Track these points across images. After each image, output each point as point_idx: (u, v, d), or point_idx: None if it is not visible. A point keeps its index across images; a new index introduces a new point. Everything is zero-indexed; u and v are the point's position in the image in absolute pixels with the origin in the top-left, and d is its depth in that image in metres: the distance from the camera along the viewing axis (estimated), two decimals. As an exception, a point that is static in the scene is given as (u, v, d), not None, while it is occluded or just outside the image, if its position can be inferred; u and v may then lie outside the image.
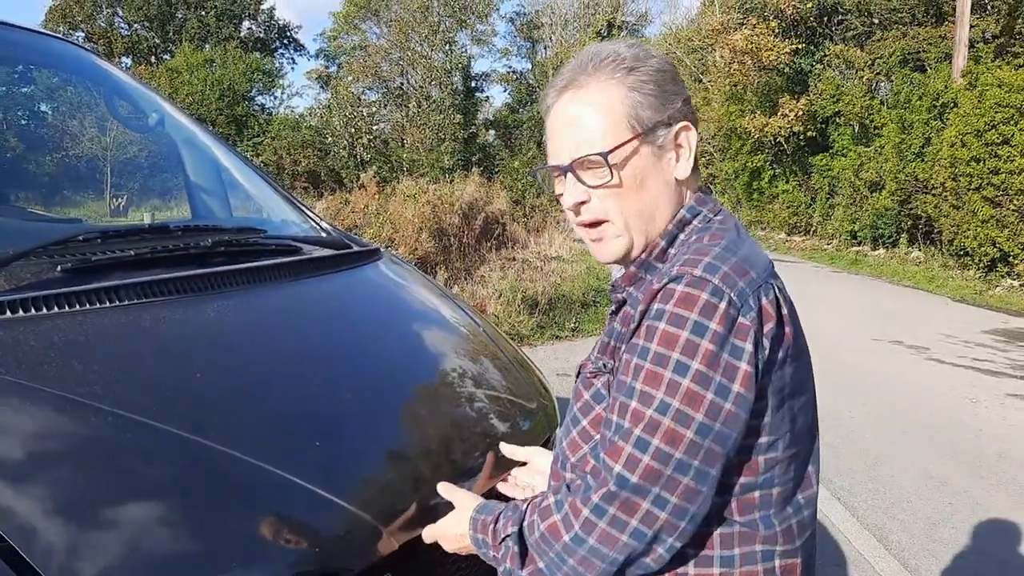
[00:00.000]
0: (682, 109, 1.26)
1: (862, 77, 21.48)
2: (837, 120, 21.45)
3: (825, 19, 23.41)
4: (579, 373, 1.33)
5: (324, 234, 2.80)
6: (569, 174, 1.26)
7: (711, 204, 1.30)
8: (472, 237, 14.60)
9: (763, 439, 1.17)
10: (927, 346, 9.04)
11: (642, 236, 1.26)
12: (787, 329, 1.17)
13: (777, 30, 22.34)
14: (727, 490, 1.18)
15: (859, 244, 19.57)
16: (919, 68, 20.05)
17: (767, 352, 1.13)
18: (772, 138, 22.58)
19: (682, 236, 1.26)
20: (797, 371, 1.20)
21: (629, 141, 1.22)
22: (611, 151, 1.21)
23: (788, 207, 22.97)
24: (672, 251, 1.26)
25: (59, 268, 1.83)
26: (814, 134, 22.05)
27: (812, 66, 22.60)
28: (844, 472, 5.14)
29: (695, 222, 1.27)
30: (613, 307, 1.31)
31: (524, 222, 19.90)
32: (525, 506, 1.28)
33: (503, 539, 1.27)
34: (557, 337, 9.29)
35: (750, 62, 22.42)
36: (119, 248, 2.00)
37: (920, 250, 17.53)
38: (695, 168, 1.28)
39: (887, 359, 8.40)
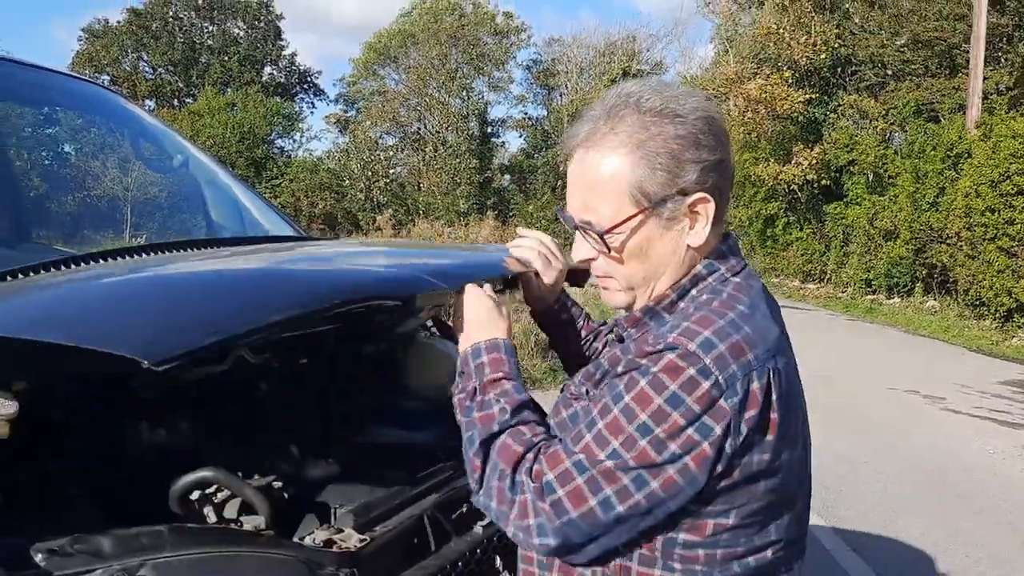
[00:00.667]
0: (701, 178, 1.20)
1: (876, 127, 21.60)
2: (851, 169, 21.51)
3: (839, 70, 23.61)
4: (563, 390, 1.38)
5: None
6: (577, 231, 1.29)
7: (732, 262, 1.29)
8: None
9: (716, 507, 1.18)
10: (943, 396, 8.95)
11: (647, 292, 1.30)
12: (773, 415, 1.16)
13: (791, 80, 22.54)
14: (673, 541, 1.19)
15: (874, 292, 19.49)
16: (933, 119, 20.15)
17: (742, 437, 1.13)
18: (786, 186, 22.66)
19: (694, 292, 1.26)
20: (777, 453, 1.18)
21: (632, 217, 1.22)
22: (609, 230, 1.23)
23: (802, 254, 22.94)
24: (682, 304, 1.26)
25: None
26: (828, 182, 22.11)
27: (826, 115, 22.75)
28: (860, 521, 5.07)
29: (710, 279, 1.27)
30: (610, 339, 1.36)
31: (538, 266, 19.91)
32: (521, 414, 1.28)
33: (490, 397, 1.29)
34: (570, 381, 9.24)
35: (764, 111, 22.60)
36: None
37: (935, 299, 17.43)
38: (720, 215, 1.25)
39: (903, 408, 8.31)
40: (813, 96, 22.56)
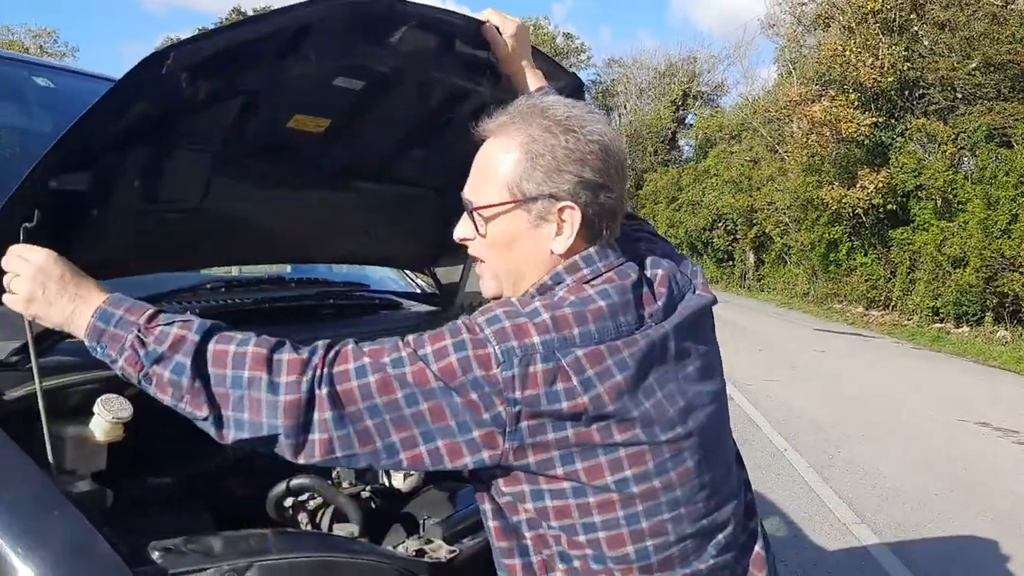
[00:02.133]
0: (574, 191, 1.28)
1: (945, 151, 21.10)
2: (919, 194, 21.05)
3: (906, 93, 23.16)
4: None
5: (418, 290, 2.91)
6: (465, 212, 1.38)
7: (590, 268, 1.33)
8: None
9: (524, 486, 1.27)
10: (1016, 429, 8.67)
11: (511, 288, 1.36)
12: (581, 400, 1.20)
13: (857, 102, 22.20)
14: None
15: (941, 321, 18.98)
16: (1005, 144, 19.61)
17: (532, 422, 1.20)
18: (851, 210, 22.27)
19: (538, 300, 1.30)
20: (617, 455, 1.24)
21: (503, 204, 1.31)
22: (480, 208, 1.33)
23: (866, 280, 22.48)
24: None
25: (188, 314, 1.96)
26: (894, 207, 21.66)
27: (893, 139, 22.31)
28: (934, 558, 4.95)
29: (557, 289, 1.30)
30: None
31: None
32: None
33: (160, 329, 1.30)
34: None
35: (828, 133, 22.28)
36: (240, 297, 2.14)
37: (1007, 329, 16.90)
38: (592, 237, 1.32)
39: (974, 441, 8.08)
40: (879, 119, 22.17)
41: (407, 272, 3.06)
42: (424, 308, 2.68)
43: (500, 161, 1.32)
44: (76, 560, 1.28)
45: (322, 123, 1.84)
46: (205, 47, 1.39)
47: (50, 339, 1.57)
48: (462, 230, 1.40)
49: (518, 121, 1.33)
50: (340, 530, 1.72)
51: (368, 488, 1.97)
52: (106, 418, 1.55)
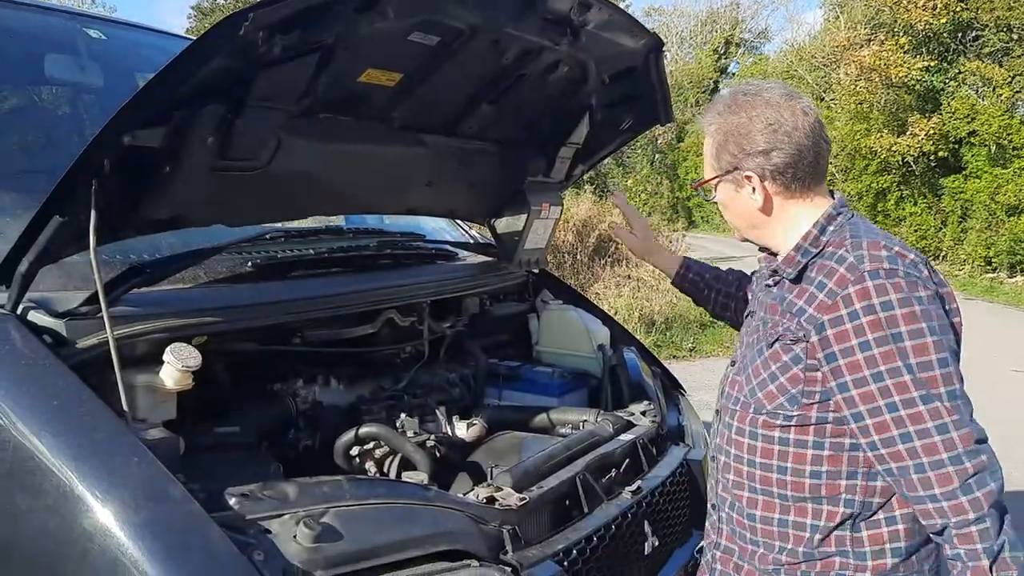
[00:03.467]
0: (746, 161, 1.54)
1: (1000, 95, 20.38)
2: (972, 140, 20.41)
3: (960, 35, 22.33)
4: (767, 333, 1.54)
5: (471, 240, 2.88)
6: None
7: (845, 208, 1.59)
8: (586, 255, 14.56)
9: None
10: (1075, 380, 8.45)
11: (750, 236, 1.65)
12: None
13: (907, 46, 21.48)
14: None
15: (994, 271, 18.52)
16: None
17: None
18: (900, 158, 21.69)
19: (831, 227, 1.53)
20: None
21: (713, 178, 1.62)
22: (701, 184, 1.66)
23: (916, 231, 21.97)
24: (824, 237, 1.52)
25: (249, 264, 1.95)
26: (946, 154, 21.04)
27: (945, 84, 21.60)
28: None
29: (839, 217, 1.55)
30: (768, 281, 1.61)
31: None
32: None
33: None
34: (674, 357, 9.16)
35: (878, 79, 21.62)
36: (299, 247, 2.12)
37: (1063, 278, 16.45)
38: (785, 186, 1.55)
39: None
40: (931, 63, 21.44)
41: (458, 222, 3.02)
42: (479, 259, 2.65)
43: (707, 147, 1.62)
44: (156, 505, 1.28)
45: (394, 77, 1.82)
46: (285, 8, 1.38)
47: (120, 288, 1.57)
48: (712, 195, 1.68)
49: (719, 111, 1.59)
50: (409, 478, 1.71)
51: (433, 437, 1.96)
52: (176, 366, 1.55)
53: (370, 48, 1.70)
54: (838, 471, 1.47)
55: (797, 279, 1.51)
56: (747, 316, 1.73)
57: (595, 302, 10.13)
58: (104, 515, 1.24)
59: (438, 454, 1.96)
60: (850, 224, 1.53)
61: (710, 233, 33.43)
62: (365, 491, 1.50)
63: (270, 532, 1.35)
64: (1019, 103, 20.76)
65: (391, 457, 1.85)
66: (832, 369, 1.41)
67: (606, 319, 2.75)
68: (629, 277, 13.40)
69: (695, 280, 2.18)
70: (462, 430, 2.10)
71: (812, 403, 1.46)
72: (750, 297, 1.80)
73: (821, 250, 1.50)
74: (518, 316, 2.75)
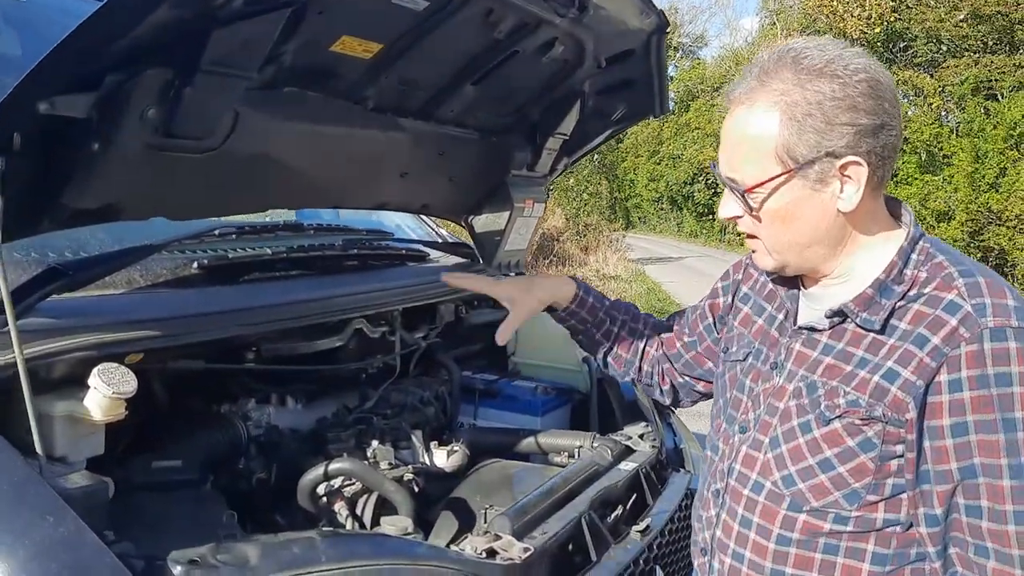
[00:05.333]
0: (853, 142, 1.11)
1: (931, 104, 20.92)
2: (903, 147, 20.88)
3: (892, 45, 22.87)
4: (823, 405, 1.17)
5: (440, 239, 2.60)
6: (727, 188, 1.22)
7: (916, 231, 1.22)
8: (528, 254, 14.43)
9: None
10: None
11: (798, 261, 1.22)
12: None
13: (843, 54, 21.85)
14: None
15: (924, 275, 18.97)
16: (991, 97, 19.45)
17: None
18: (834, 164, 22.08)
19: (915, 255, 1.18)
20: None
21: (776, 178, 1.15)
22: (751, 189, 1.16)
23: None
24: (908, 272, 1.16)
25: (196, 265, 1.64)
26: (878, 161, 21.48)
27: (878, 92, 22.04)
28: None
29: (922, 243, 1.19)
30: (826, 325, 1.20)
31: (578, 240, 19.64)
32: None
33: None
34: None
35: (814, 86, 21.94)
36: (253, 245, 1.82)
37: (990, 284, 16.92)
38: (878, 182, 1.16)
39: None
40: (865, 72, 21.85)
41: (424, 219, 2.74)
42: (452, 260, 2.37)
43: (761, 131, 1.14)
44: (77, 584, 0.98)
45: (372, 48, 1.52)
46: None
47: (33, 295, 1.25)
48: (729, 209, 1.23)
49: (769, 81, 1.15)
50: (389, 524, 1.43)
51: (411, 468, 1.69)
52: (105, 392, 1.24)
53: (348, 11, 1.41)
54: None
55: (880, 329, 1.15)
56: (746, 360, 1.34)
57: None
58: (5, 602, 0.94)
59: (416, 488, 1.68)
60: (942, 252, 1.17)
61: (646, 234, 33.75)
62: (342, 550, 1.21)
63: (227, 612, 1.07)
64: (948, 112, 21.33)
65: (365, 496, 1.57)
66: (928, 449, 1.09)
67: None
68: (574, 277, 13.23)
69: (595, 307, 1.69)
70: (441, 458, 1.83)
71: (879, 500, 1.13)
72: (740, 337, 1.39)
73: (909, 288, 1.15)
74: (495, 324, 2.48)
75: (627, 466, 1.86)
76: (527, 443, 1.98)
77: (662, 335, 1.66)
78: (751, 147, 1.16)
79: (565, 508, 1.60)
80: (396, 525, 1.41)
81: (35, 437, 1.13)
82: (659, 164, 35.26)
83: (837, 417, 1.14)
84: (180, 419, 1.66)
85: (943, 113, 21.35)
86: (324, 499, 1.54)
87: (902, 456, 1.10)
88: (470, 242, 2.34)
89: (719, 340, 1.50)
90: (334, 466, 1.48)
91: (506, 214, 2.20)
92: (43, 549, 1.00)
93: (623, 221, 33.69)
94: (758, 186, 1.16)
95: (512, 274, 2.46)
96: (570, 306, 1.69)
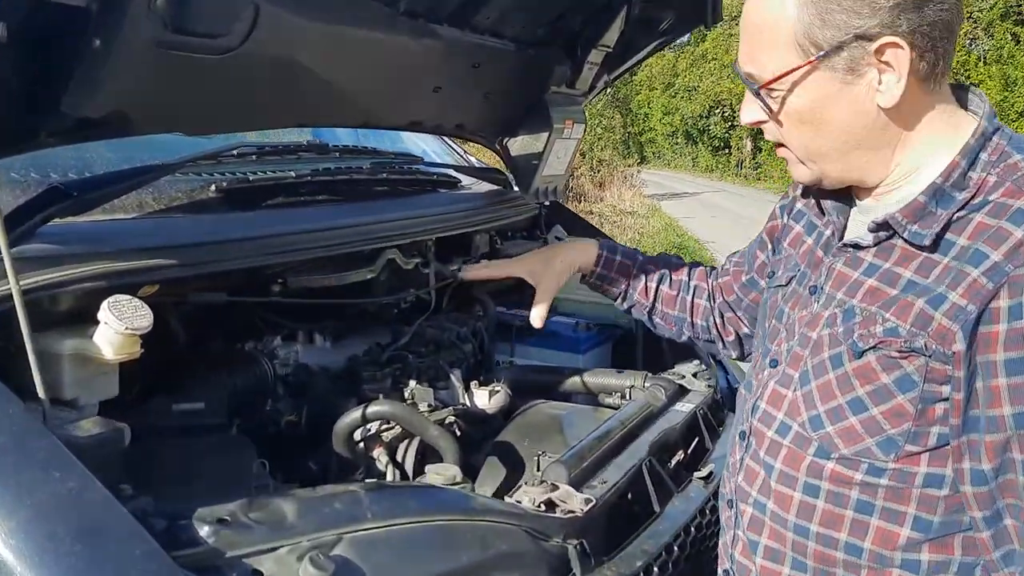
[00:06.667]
0: (890, 20, 0.90)
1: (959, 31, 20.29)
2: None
3: None
4: (856, 335, 0.98)
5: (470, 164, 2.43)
6: (747, 90, 1.04)
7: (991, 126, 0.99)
8: (565, 180, 14.16)
9: None
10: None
11: (837, 170, 1.03)
12: None
13: None
14: None
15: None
16: (1021, 23, 18.82)
17: None
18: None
19: (985, 155, 0.96)
20: None
21: (796, 69, 0.96)
22: (767, 84, 0.98)
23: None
24: (974, 175, 0.95)
25: (214, 188, 1.48)
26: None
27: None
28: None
29: (996, 138, 0.97)
30: (870, 241, 1.01)
31: (592, 176, 19.34)
32: None
33: None
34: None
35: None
36: (277, 168, 1.66)
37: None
38: (929, 69, 0.94)
39: None
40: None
41: (451, 144, 2.56)
42: (486, 187, 2.20)
43: (777, 13, 0.95)
44: (90, 550, 0.84)
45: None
46: None
47: (32, 218, 1.10)
48: (749, 113, 1.05)
49: None
50: (436, 473, 1.29)
51: (452, 411, 1.55)
52: (117, 328, 1.09)
53: None
54: (945, 563, 0.97)
55: (933, 245, 0.95)
56: (788, 285, 1.15)
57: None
58: (9, 570, 0.81)
59: (457, 432, 1.55)
60: (1018, 150, 0.96)
61: (660, 169, 33.25)
62: (390, 505, 1.07)
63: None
64: (976, 39, 20.67)
65: (406, 441, 1.43)
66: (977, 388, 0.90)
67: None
68: (591, 212, 13.03)
69: (625, 265, 1.52)
70: (483, 399, 1.69)
71: (921, 451, 0.94)
72: (788, 260, 1.19)
73: (974, 195, 0.94)
74: (530, 256, 2.33)
75: (684, 407, 1.72)
76: (573, 382, 1.83)
77: (719, 280, 1.46)
78: (766, 35, 0.98)
79: (624, 455, 1.46)
80: (443, 474, 1.27)
81: (36, 379, 0.99)
82: (674, 97, 34.56)
83: (871, 348, 0.96)
84: (201, 358, 1.52)
85: (970, 41, 20.68)
86: (361, 445, 1.41)
87: (948, 399, 0.92)
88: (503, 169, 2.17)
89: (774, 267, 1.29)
90: (372, 409, 1.34)
91: (544, 135, 2.02)
92: (48, 509, 0.86)
93: (637, 156, 33.25)
94: (775, 80, 0.97)
95: (547, 202, 2.29)
96: (596, 269, 1.52)
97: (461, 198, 2.07)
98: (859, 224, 1.06)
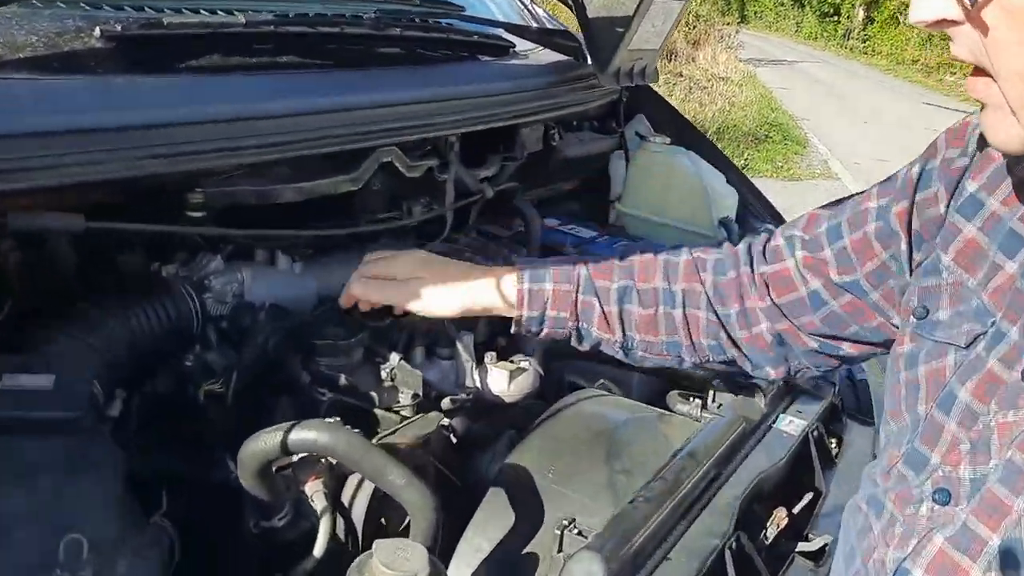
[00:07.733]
0: None
1: None
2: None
3: None
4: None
5: (536, 24, 1.80)
6: None
7: None
8: (659, 58, 13.08)
9: None
10: None
11: None
12: None
13: None
14: None
15: None
16: None
17: None
18: None
19: None
20: None
21: None
22: None
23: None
24: None
25: (98, 32, 0.94)
26: None
27: None
28: None
29: None
30: None
31: (685, 32, 17.92)
32: None
33: None
34: (724, 174, 8.15)
35: None
36: (211, 5, 1.08)
37: None
38: None
39: None
40: None
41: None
42: (550, 57, 1.59)
43: None
44: None
45: None
46: None
47: None
48: (930, 5, 0.60)
49: None
50: (386, 566, 0.77)
51: (447, 405, 1.04)
52: None
53: None
54: None
55: None
56: (971, 348, 0.69)
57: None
58: None
59: (452, 439, 1.04)
60: None
61: (761, 31, 31.04)
62: None
63: None
64: None
65: (357, 482, 0.93)
66: None
67: (738, 176, 1.75)
68: (681, 75, 11.95)
69: (562, 293, 0.99)
70: (500, 381, 1.17)
71: None
72: (958, 294, 0.71)
73: None
74: (597, 158, 1.73)
75: (789, 426, 1.18)
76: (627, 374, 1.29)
77: (762, 270, 0.93)
78: None
79: (696, 525, 0.94)
80: (398, 570, 0.75)
81: None
82: (787, -49, 31.82)
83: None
84: (87, 288, 1.01)
85: None
86: (289, 472, 0.91)
87: None
88: (576, 32, 1.55)
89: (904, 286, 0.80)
90: (298, 436, 0.81)
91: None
92: None
93: (738, 15, 31.13)
94: None
95: (634, 85, 1.67)
96: (523, 312, 0.99)
97: (509, 71, 1.47)
98: None
